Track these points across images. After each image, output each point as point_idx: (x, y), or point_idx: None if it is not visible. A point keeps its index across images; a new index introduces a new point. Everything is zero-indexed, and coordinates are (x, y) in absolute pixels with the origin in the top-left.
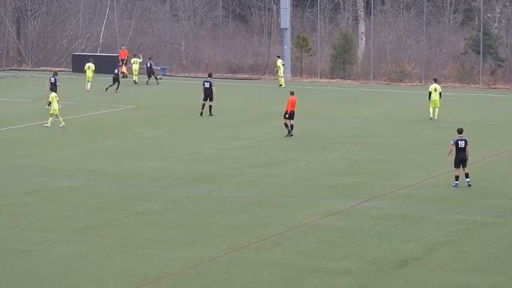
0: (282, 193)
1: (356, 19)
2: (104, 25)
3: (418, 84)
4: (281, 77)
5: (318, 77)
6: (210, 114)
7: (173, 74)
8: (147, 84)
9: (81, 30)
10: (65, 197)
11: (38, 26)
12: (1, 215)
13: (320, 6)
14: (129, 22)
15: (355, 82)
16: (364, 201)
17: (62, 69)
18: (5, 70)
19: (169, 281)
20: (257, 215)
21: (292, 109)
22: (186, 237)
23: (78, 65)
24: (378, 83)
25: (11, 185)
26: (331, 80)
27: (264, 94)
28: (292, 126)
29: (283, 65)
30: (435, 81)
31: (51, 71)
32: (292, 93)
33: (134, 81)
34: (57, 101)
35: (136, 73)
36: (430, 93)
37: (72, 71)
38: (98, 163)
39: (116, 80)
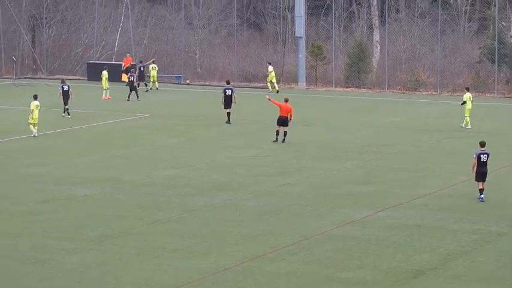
0: (297, 202)
1: (371, 28)
2: (119, 33)
3: (433, 93)
4: (270, 82)
5: (333, 85)
6: (228, 122)
7: (188, 83)
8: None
9: (96, 39)
10: (81, 205)
11: (53, 34)
12: (17, 223)
13: (335, 14)
14: (144, 30)
15: (370, 91)
16: (380, 211)
17: (77, 77)
18: (20, 78)
19: None
20: (272, 224)
21: (285, 115)
22: (202, 246)
23: (93, 73)
24: (392, 91)
25: (26, 193)
26: (345, 89)
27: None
28: (285, 132)
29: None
30: (467, 90)
31: (66, 79)
32: (286, 101)
33: (156, 88)
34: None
35: (155, 79)
36: (464, 102)
37: (87, 79)
38: (114, 171)
39: (131, 87)
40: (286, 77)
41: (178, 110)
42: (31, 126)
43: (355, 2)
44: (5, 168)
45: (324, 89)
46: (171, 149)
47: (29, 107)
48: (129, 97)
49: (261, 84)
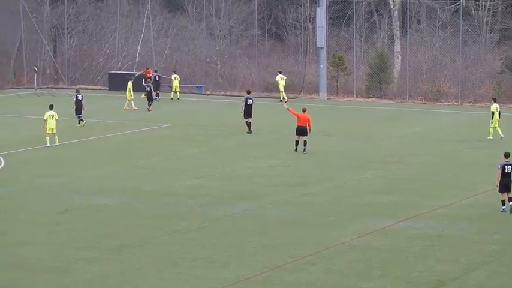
0: (318, 212)
1: (392, 38)
2: (140, 43)
3: (455, 103)
4: (281, 91)
5: (354, 96)
6: (249, 131)
7: (208, 93)
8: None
9: (117, 49)
10: (101, 215)
11: (74, 44)
12: (37, 233)
13: (356, 25)
14: (165, 41)
15: (391, 101)
16: (401, 221)
17: (98, 87)
18: (41, 88)
19: None
20: (292, 234)
21: (303, 125)
22: (222, 256)
23: (114, 83)
24: (414, 102)
25: (47, 203)
26: (367, 99)
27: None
28: (305, 142)
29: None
30: (495, 100)
31: (87, 88)
32: (304, 110)
33: (178, 98)
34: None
35: (178, 89)
36: (493, 113)
37: (109, 89)
38: (134, 181)
39: (149, 97)
40: (307, 88)
41: (199, 120)
42: (47, 137)
43: (377, 12)
44: (26, 178)
45: (345, 99)
46: (192, 158)
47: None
48: (150, 106)
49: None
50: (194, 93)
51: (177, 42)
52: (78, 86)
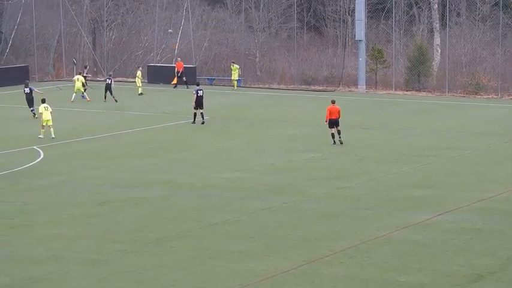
0: (356, 205)
1: (431, 31)
2: (179, 36)
3: (494, 96)
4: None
5: (393, 89)
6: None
7: (247, 85)
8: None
9: (156, 41)
10: (138, 207)
11: (113, 36)
12: (76, 225)
13: (395, 18)
14: (204, 33)
15: (430, 94)
16: (439, 215)
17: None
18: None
19: None
20: (330, 227)
21: (335, 117)
22: (259, 249)
23: (153, 76)
24: (453, 95)
25: (85, 195)
26: (406, 92)
27: (338, 106)
28: (339, 131)
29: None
30: None
31: (127, 81)
32: (333, 102)
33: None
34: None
35: (236, 78)
36: None
37: (148, 82)
38: (172, 174)
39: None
40: (346, 80)
41: (237, 112)
42: (42, 129)
43: (416, 5)
44: (65, 171)
45: (384, 92)
46: (229, 151)
47: (92, 109)
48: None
49: (320, 87)
50: (232, 86)
51: (216, 35)
52: (130, 79)
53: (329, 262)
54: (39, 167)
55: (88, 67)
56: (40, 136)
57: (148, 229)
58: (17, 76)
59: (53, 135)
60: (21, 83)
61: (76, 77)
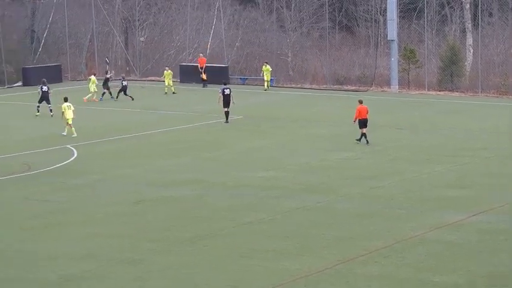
0: (390, 205)
1: (463, 31)
2: (211, 36)
3: None
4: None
5: (426, 89)
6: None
7: (280, 85)
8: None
9: (188, 41)
10: (172, 206)
11: (145, 36)
12: (111, 224)
13: (427, 18)
14: (236, 33)
15: (463, 94)
16: (473, 215)
17: None
18: (113, 80)
19: None
20: (364, 227)
21: (362, 117)
22: (294, 248)
23: (185, 75)
24: (486, 95)
25: (119, 194)
26: (438, 92)
27: (370, 106)
28: (364, 134)
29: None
30: None
31: (159, 80)
32: (361, 102)
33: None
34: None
35: (268, 78)
36: None
37: (180, 81)
38: (205, 173)
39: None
40: (379, 80)
41: (270, 112)
42: (66, 127)
43: (448, 5)
44: (99, 170)
45: (417, 92)
46: (262, 150)
47: (126, 108)
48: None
49: (353, 87)
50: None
51: (248, 34)
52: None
53: (363, 262)
54: (73, 165)
55: (110, 70)
56: (63, 133)
57: (182, 228)
58: (50, 75)
59: (75, 134)
60: (54, 82)
61: (90, 77)
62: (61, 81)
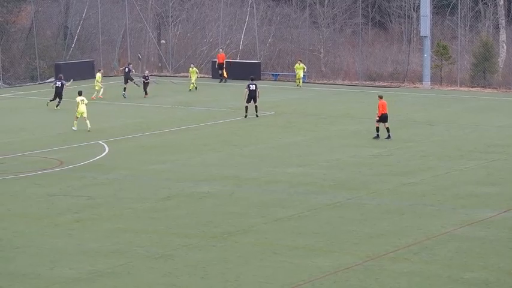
0: (420, 201)
1: (497, 27)
2: (244, 32)
3: None
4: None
5: (458, 85)
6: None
7: (312, 81)
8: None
9: (221, 37)
10: (203, 202)
11: (178, 32)
12: (141, 219)
13: (460, 14)
14: (268, 29)
15: (496, 91)
16: (504, 212)
17: (201, 75)
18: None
19: None
20: (395, 224)
21: (384, 112)
22: (323, 244)
23: (217, 71)
24: None
25: (150, 190)
26: (471, 89)
27: (402, 102)
28: (388, 129)
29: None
30: None
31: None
32: (380, 97)
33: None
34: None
35: (300, 76)
36: None
37: (212, 77)
38: (236, 169)
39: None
40: (411, 77)
41: (302, 108)
42: (75, 121)
43: (481, 1)
44: (130, 165)
45: (449, 88)
46: (294, 147)
47: (150, 103)
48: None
49: (385, 84)
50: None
51: (281, 30)
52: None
53: (393, 258)
54: (105, 161)
55: (131, 65)
56: (74, 128)
57: (213, 224)
58: (83, 71)
59: (89, 127)
60: (87, 78)
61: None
62: (93, 77)
